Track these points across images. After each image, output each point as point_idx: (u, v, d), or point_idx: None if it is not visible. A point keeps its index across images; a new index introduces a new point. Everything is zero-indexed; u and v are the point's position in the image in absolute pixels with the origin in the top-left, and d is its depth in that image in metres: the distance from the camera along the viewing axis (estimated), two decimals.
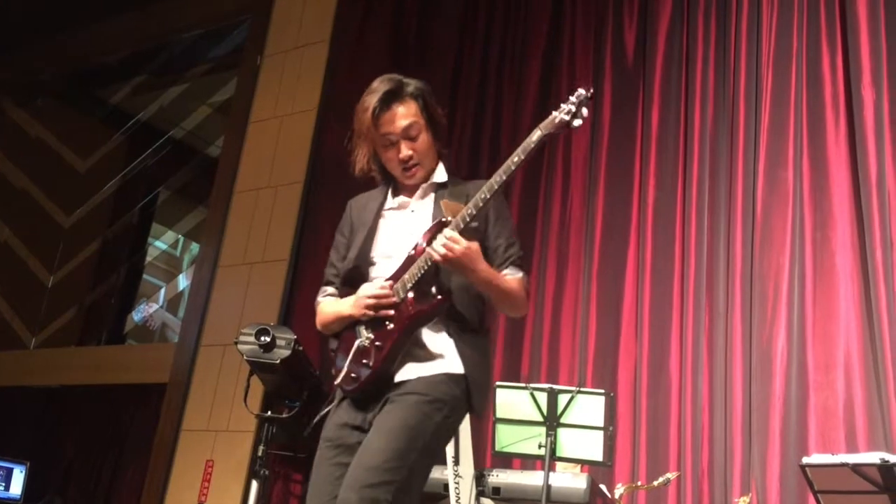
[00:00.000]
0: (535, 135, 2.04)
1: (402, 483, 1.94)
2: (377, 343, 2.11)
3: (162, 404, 5.43)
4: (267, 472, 4.10)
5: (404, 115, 2.18)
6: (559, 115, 2.02)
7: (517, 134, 4.79)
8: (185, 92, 7.90)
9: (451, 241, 2.00)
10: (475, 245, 2.05)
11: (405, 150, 2.19)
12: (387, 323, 2.10)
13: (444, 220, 2.09)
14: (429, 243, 2.08)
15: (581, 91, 2.03)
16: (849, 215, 3.72)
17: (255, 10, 6.30)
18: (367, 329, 2.14)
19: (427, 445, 2.03)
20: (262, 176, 5.64)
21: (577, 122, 2.02)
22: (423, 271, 2.08)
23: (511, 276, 2.19)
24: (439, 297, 2.08)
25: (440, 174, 2.27)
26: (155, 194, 8.26)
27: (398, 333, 2.09)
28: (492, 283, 2.12)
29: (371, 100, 2.18)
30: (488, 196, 2.04)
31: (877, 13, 3.84)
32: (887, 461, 2.40)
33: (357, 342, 2.15)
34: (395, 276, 2.14)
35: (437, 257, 2.01)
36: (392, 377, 2.09)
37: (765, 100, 4.02)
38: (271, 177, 5.59)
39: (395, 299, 2.09)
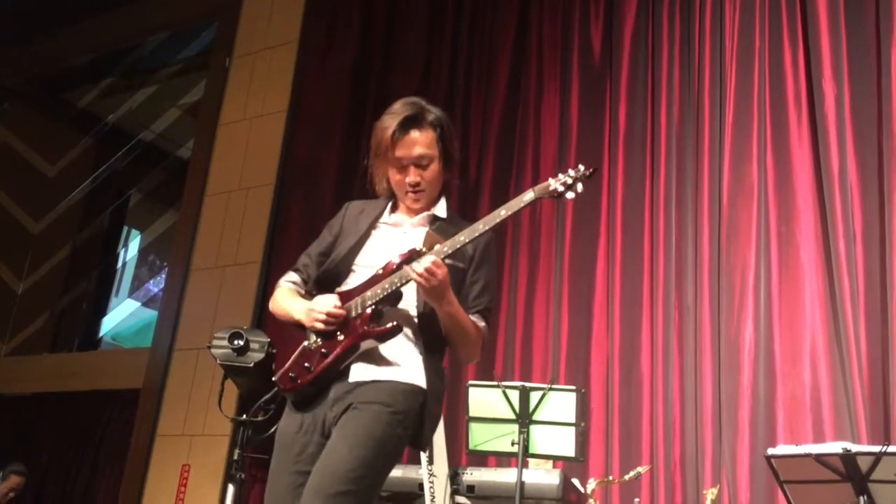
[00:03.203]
0: (527, 196, 2.04)
1: (366, 493, 1.96)
2: (323, 350, 2.12)
3: (136, 410, 5.40)
4: (243, 476, 4.07)
5: (420, 142, 2.19)
6: (555, 185, 2.03)
7: (486, 134, 4.82)
8: (154, 94, 7.85)
9: (434, 266, 2.01)
10: (447, 275, 2.05)
11: (413, 177, 2.21)
12: (338, 333, 2.11)
13: (417, 248, 2.10)
14: (396, 268, 2.09)
15: (581, 168, 2.05)
16: (813, 209, 3.79)
17: (222, 11, 6.27)
18: (316, 334, 2.16)
19: (389, 456, 2.04)
20: (232, 178, 5.63)
21: (570, 196, 2.03)
22: (386, 293, 2.08)
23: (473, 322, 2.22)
24: (394, 323, 2.08)
25: (441, 208, 2.28)
26: (126, 198, 8.20)
27: (345, 347, 2.09)
28: (457, 318, 2.11)
29: (391, 122, 2.19)
30: (466, 240, 2.05)
31: (836, 8, 3.92)
32: (849, 450, 2.45)
33: (304, 343, 2.17)
34: (357, 291, 2.15)
35: (417, 278, 2.02)
36: (339, 375, 2.10)
37: (729, 96, 4.08)
38: (242, 179, 5.59)
39: (342, 317, 2.10)
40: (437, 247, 2.06)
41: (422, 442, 2.13)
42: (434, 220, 2.26)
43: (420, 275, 2.01)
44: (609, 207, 4.27)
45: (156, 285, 8.03)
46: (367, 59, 5.44)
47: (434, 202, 2.28)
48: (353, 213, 2.34)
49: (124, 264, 8.20)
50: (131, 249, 8.31)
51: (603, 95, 4.48)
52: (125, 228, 8.30)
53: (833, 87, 3.83)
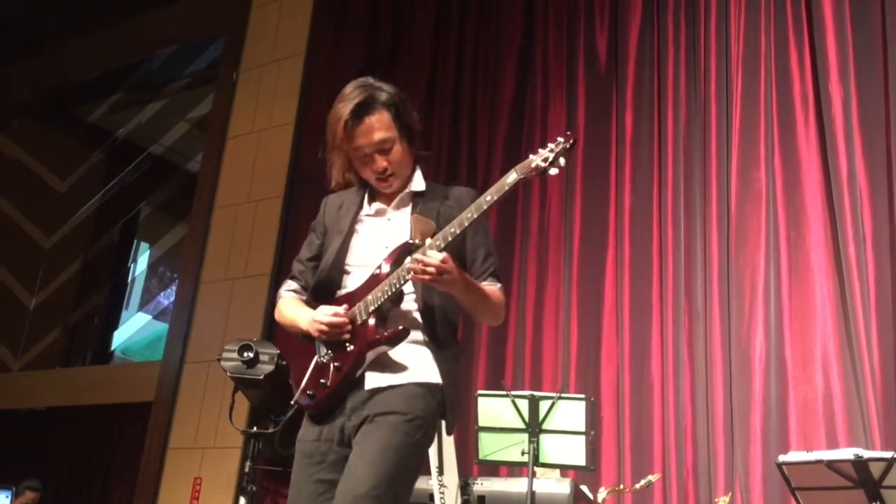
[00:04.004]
0: (510, 177, 2.00)
1: None
2: (336, 364, 2.09)
3: (148, 423, 5.42)
4: (255, 488, 4.08)
5: (377, 127, 2.13)
6: (536, 161, 2.00)
7: (493, 142, 4.82)
8: (162, 108, 7.90)
9: (441, 263, 1.97)
10: (454, 264, 2.03)
11: (380, 163, 2.15)
12: (347, 344, 2.08)
13: (410, 241, 2.08)
14: (392, 266, 2.08)
15: (560, 140, 2.01)
16: (822, 212, 3.76)
17: (229, 25, 6.31)
18: (326, 346, 2.12)
19: (411, 465, 2.02)
20: (241, 191, 5.66)
21: (553, 171, 1.99)
22: (386, 295, 2.05)
23: (489, 287, 2.17)
24: (400, 327, 2.06)
25: (418, 182, 2.23)
26: (136, 211, 8.25)
27: (357, 357, 2.07)
28: (476, 294, 2.11)
29: (342, 110, 2.13)
30: (457, 231, 2.02)
31: (842, 10, 3.90)
32: (861, 457, 2.42)
33: (315, 359, 2.14)
34: (358, 295, 2.11)
35: (426, 279, 1.99)
36: (355, 384, 2.08)
37: (735, 101, 4.06)
38: (251, 192, 5.61)
39: (348, 328, 2.08)
40: (428, 241, 2.03)
41: (450, 427, 2.13)
42: (414, 197, 2.22)
43: (430, 275, 1.98)
44: (617, 214, 4.26)
45: (166, 298, 8.06)
46: (373, 69, 5.43)
47: (409, 179, 2.23)
48: (333, 208, 2.29)
49: (133, 279, 8.24)
50: (142, 263, 8.35)
51: (609, 102, 4.47)
52: (136, 242, 8.34)
53: (840, 89, 3.81)
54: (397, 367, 2.07)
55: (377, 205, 2.24)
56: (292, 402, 2.17)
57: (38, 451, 6.48)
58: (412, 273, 2.01)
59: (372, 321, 2.07)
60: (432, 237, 2.06)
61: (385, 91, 2.18)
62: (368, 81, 2.20)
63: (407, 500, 2.04)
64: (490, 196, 2.01)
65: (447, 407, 2.08)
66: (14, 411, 6.62)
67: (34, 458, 6.43)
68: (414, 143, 2.22)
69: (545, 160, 1.99)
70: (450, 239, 2.02)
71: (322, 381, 2.11)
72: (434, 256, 1.99)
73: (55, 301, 7.49)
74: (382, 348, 2.08)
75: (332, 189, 2.34)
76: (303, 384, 2.13)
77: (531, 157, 2.01)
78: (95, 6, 6.78)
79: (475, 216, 2.01)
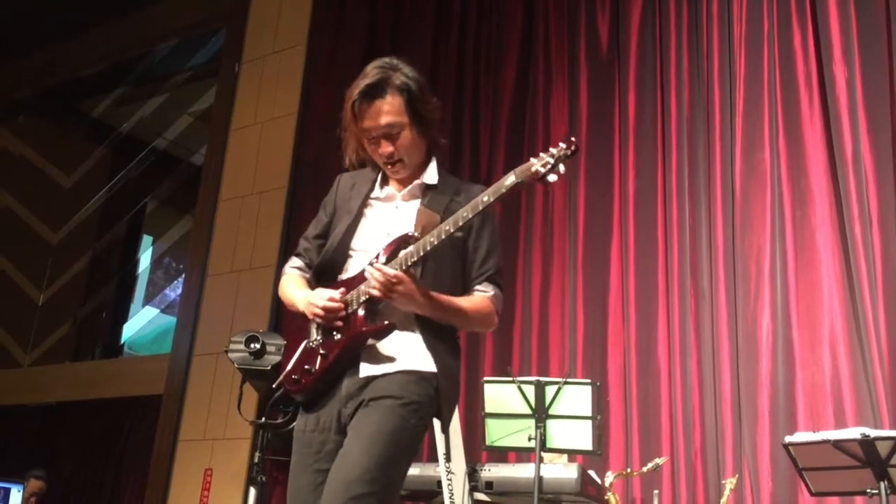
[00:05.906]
0: (509, 180, 1.96)
1: (385, 491, 1.93)
2: (322, 351, 2.07)
3: (158, 416, 5.45)
4: (264, 479, 4.10)
5: (385, 111, 2.07)
6: (536, 166, 1.94)
7: (496, 127, 4.81)
8: (165, 102, 7.91)
9: (390, 281, 1.95)
10: (411, 283, 1.99)
11: (385, 147, 2.10)
12: (335, 333, 2.06)
13: (409, 234, 2.06)
14: (388, 257, 2.05)
15: (562, 146, 1.95)
16: (827, 192, 3.75)
17: (230, 17, 6.30)
18: (317, 331, 2.10)
19: (406, 450, 2.00)
20: (245, 183, 5.66)
21: (553, 178, 1.93)
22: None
23: (481, 294, 2.13)
24: (387, 322, 2.03)
25: (430, 174, 2.18)
26: (142, 205, 8.27)
27: (342, 347, 2.05)
28: (440, 310, 2.05)
29: (354, 89, 2.08)
30: (451, 230, 1.97)
31: None
32: (868, 436, 2.42)
33: (304, 342, 2.11)
34: (356, 282, 2.08)
35: (377, 294, 1.99)
36: (350, 370, 2.06)
37: (739, 82, 4.04)
38: (255, 183, 5.61)
39: (343, 314, 2.06)
40: (420, 242, 2.01)
41: (443, 422, 2.10)
42: (425, 189, 2.18)
43: (378, 290, 1.97)
44: (621, 198, 4.25)
45: (173, 291, 8.10)
46: (375, 57, 5.42)
47: (422, 167, 2.19)
48: (345, 187, 2.25)
49: (139, 273, 8.28)
50: (146, 258, 8.39)
51: (612, 86, 4.45)
52: (143, 236, 8.38)
53: (844, 69, 3.79)
54: (392, 357, 2.06)
55: (388, 189, 2.21)
56: (274, 386, 2.15)
57: (49, 446, 6.53)
58: (371, 290, 1.99)
59: (361, 312, 2.05)
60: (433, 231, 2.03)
61: (402, 74, 2.10)
62: (390, 62, 2.13)
63: (401, 485, 2.03)
64: (487, 197, 1.97)
65: (441, 399, 2.05)
66: (24, 406, 6.67)
67: (45, 452, 6.48)
68: (428, 131, 2.15)
69: (545, 165, 1.94)
70: (443, 237, 1.99)
71: (307, 366, 2.09)
72: (386, 272, 1.96)
73: (64, 296, 7.53)
74: (370, 341, 2.06)
75: (343, 170, 2.31)
76: (289, 368, 2.12)
77: (532, 160, 1.97)
78: (96, 1, 6.78)
79: (470, 216, 1.98)
